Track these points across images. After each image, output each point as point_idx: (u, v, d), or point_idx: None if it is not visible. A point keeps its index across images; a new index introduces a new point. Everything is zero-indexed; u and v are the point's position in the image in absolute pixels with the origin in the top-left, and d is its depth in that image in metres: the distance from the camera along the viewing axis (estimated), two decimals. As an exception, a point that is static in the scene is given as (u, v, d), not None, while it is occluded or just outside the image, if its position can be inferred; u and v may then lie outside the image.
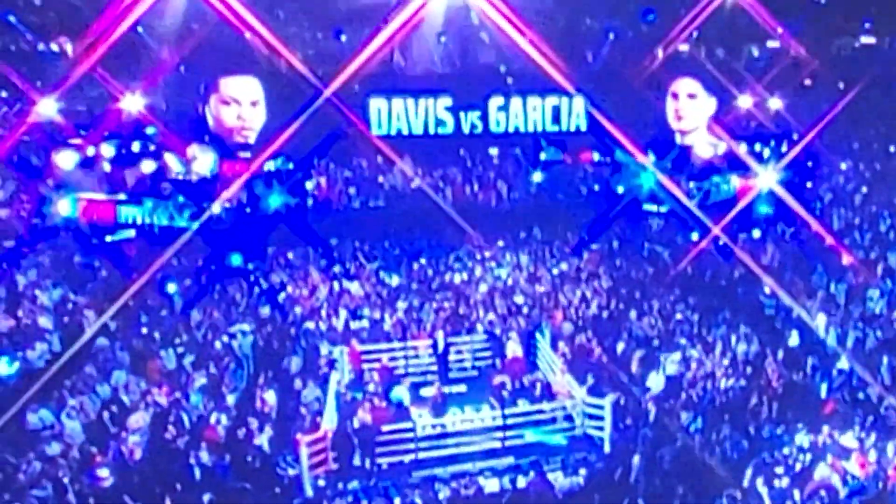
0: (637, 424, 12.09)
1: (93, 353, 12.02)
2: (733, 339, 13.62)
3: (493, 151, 18.58)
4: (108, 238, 9.00)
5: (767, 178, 10.11)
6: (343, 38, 14.20)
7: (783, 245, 13.76)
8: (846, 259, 14.35)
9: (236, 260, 9.32)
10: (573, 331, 14.66)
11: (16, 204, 12.88)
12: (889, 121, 17.45)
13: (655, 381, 13.00)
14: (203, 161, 8.71)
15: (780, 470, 10.47)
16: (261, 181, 9.08)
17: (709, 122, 10.09)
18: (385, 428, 11.91)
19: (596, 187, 16.39)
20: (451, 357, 14.24)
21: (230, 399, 12.20)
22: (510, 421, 12.39)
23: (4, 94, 13.53)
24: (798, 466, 10.50)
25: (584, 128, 9.86)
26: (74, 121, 9.00)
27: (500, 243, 17.51)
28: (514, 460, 11.86)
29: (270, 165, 9.07)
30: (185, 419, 11.36)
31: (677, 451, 11.30)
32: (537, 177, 13.27)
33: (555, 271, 16.77)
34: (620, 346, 14.17)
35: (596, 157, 10.57)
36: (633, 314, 14.89)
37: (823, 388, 12.29)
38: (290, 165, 9.18)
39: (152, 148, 8.75)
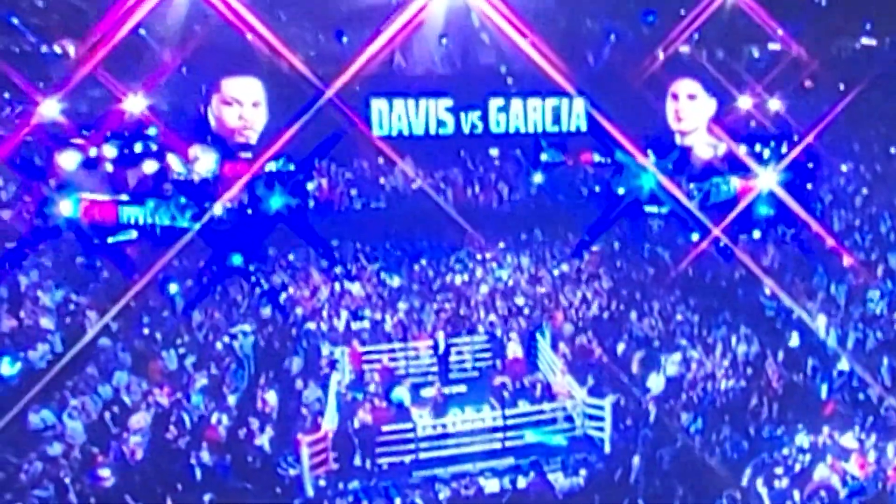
0: (637, 425, 12.10)
1: (94, 354, 12.06)
2: (734, 340, 13.63)
3: (494, 152, 18.62)
4: (110, 239, 9.03)
5: (767, 179, 10.14)
6: (344, 39, 14.23)
7: (784, 246, 13.77)
8: (847, 260, 14.37)
9: (237, 260, 9.36)
10: (574, 332, 14.68)
11: (18, 204, 12.91)
12: (889, 122, 17.47)
13: (656, 382, 13.00)
14: (205, 161, 8.75)
15: (779, 470, 10.48)
16: (262, 182, 9.12)
17: (708, 123, 10.11)
18: (385, 428, 11.93)
19: (597, 189, 16.45)
20: (452, 358, 14.26)
21: (231, 399, 12.22)
22: (510, 421, 12.40)
23: (7, 96, 13.57)
24: (798, 467, 10.51)
25: (584, 128, 9.88)
26: (77, 122, 9.03)
27: (501, 244, 17.54)
28: (515, 461, 11.87)
29: (272, 166, 9.10)
30: (186, 419, 11.38)
31: (677, 452, 11.31)
32: (538, 178, 13.37)
33: (555, 272, 16.79)
34: (621, 347, 14.17)
35: (597, 158, 10.60)
36: (633, 315, 14.90)
37: (824, 389, 12.30)
38: (292, 166, 9.21)
39: (154, 148, 8.77)
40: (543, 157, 10.43)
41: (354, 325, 14.93)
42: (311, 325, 14.63)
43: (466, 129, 9.76)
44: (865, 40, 17.08)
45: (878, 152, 18.10)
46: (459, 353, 14.42)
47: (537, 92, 9.93)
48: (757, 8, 13.90)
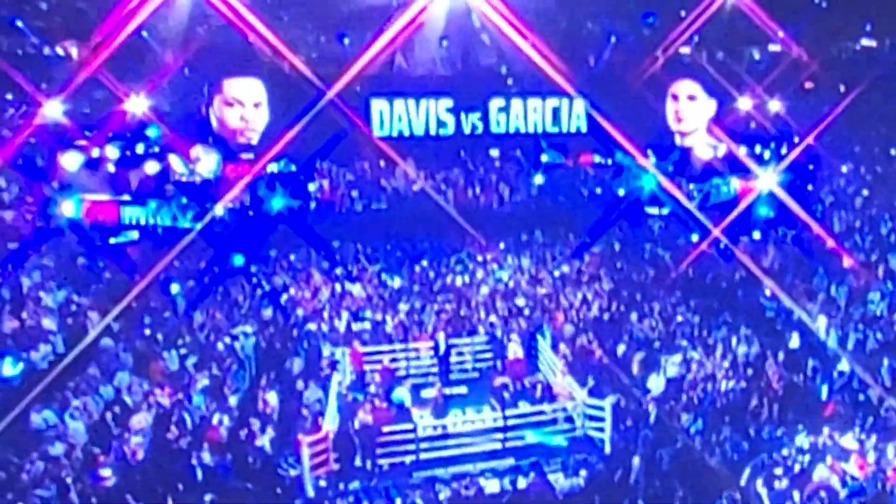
0: (637, 426, 12.12)
1: (96, 354, 12.09)
2: (734, 340, 13.65)
3: (494, 153, 18.66)
4: (112, 240, 9.04)
5: (767, 180, 10.14)
6: (346, 41, 14.25)
7: (784, 247, 13.79)
8: (847, 261, 14.38)
9: (239, 261, 9.35)
10: (574, 332, 14.71)
11: (21, 206, 12.95)
12: (890, 123, 17.48)
13: (656, 383, 13.03)
14: (206, 162, 8.76)
15: (779, 471, 10.49)
16: (263, 183, 9.13)
17: (708, 123, 10.13)
18: (386, 429, 11.96)
19: (597, 190, 16.49)
20: (453, 359, 14.29)
21: (232, 400, 12.25)
22: (511, 422, 12.43)
23: (10, 97, 13.61)
24: (797, 468, 10.52)
25: (584, 129, 9.91)
26: (79, 123, 9.05)
27: (502, 246, 17.56)
28: (515, 461, 11.90)
29: (273, 167, 9.12)
30: (187, 420, 11.41)
31: (677, 453, 11.34)
32: (538, 179, 13.39)
33: (556, 273, 16.82)
34: (621, 348, 14.20)
35: (597, 159, 10.61)
36: (634, 316, 14.93)
37: (824, 389, 12.32)
38: (293, 167, 9.22)
39: (156, 149, 8.79)
40: (544, 157, 10.44)
41: (355, 326, 14.97)
42: (312, 326, 14.67)
43: (467, 130, 9.80)
44: (865, 41, 17.09)
45: (878, 153, 18.12)
46: (460, 353, 14.45)
47: (538, 93, 9.97)
48: (757, 9, 13.91)
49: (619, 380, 13.46)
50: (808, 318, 13.46)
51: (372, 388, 13.14)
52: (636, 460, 11.05)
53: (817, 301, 14.06)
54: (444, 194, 17.60)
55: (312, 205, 9.75)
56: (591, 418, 12.49)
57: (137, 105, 9.60)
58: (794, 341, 13.37)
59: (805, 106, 15.02)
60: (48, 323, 12.18)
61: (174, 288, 10.93)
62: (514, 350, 14.31)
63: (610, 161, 10.52)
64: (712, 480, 10.67)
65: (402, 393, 12.92)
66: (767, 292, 14.39)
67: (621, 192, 10.57)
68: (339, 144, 9.47)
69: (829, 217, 15.46)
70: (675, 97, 10.03)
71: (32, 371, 11.05)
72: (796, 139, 10.49)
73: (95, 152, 8.72)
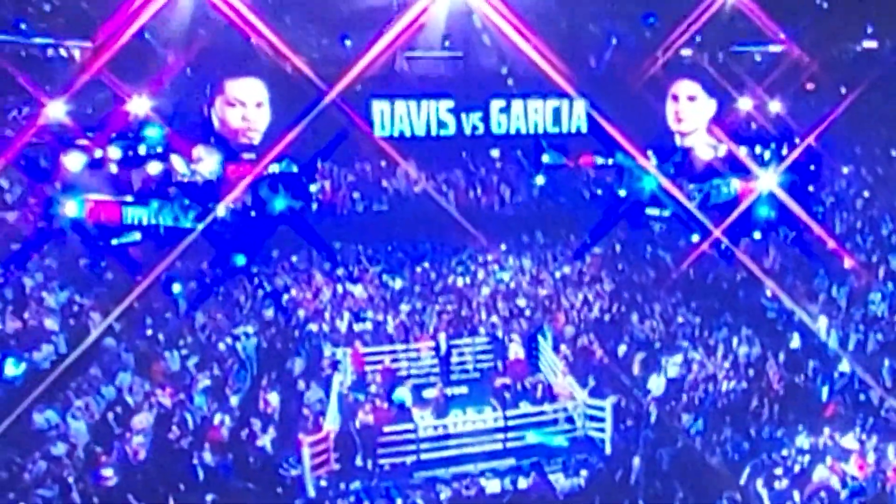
0: (638, 426, 12.12)
1: (98, 355, 12.11)
2: (735, 341, 13.66)
3: (495, 153, 18.69)
4: (114, 240, 9.06)
5: (768, 180, 10.14)
6: (348, 42, 14.28)
7: (785, 248, 13.80)
8: (848, 262, 14.37)
9: (240, 262, 9.37)
10: (575, 333, 14.72)
11: (24, 206, 12.99)
12: (890, 125, 17.47)
13: (657, 384, 13.03)
14: (208, 162, 8.79)
15: (779, 471, 10.50)
16: (265, 184, 9.16)
17: (708, 124, 10.14)
18: (387, 429, 11.97)
19: (598, 191, 16.52)
20: (454, 359, 14.31)
21: (234, 400, 12.28)
22: (512, 422, 12.45)
23: (13, 98, 13.65)
24: (797, 468, 10.52)
25: (584, 130, 9.93)
26: (82, 123, 9.08)
27: (503, 246, 17.58)
28: (516, 461, 11.91)
29: (275, 168, 9.14)
30: (188, 420, 11.44)
31: (678, 453, 11.35)
32: (539, 180, 13.39)
33: (557, 274, 16.84)
34: (622, 349, 14.21)
35: (598, 160, 10.62)
36: (634, 317, 14.94)
37: (825, 390, 12.32)
38: (295, 168, 9.25)
39: (158, 150, 8.82)
40: (545, 158, 10.46)
41: (356, 327, 14.99)
42: (314, 327, 14.69)
43: (468, 131, 9.82)
44: (866, 43, 17.08)
45: (879, 154, 18.13)
46: (461, 354, 14.47)
47: (538, 93, 9.98)
48: (758, 11, 13.92)
49: (620, 380, 13.47)
50: (808, 318, 13.46)
51: (373, 389, 13.16)
52: (637, 460, 11.06)
53: (818, 302, 14.07)
54: (445, 195, 17.64)
55: (314, 205, 9.78)
56: (592, 419, 12.50)
57: (140, 106, 9.61)
58: (795, 342, 13.38)
59: (806, 107, 15.04)
60: (50, 323, 12.21)
61: (176, 288, 10.95)
62: (515, 350, 14.33)
63: (611, 162, 10.54)
64: (713, 481, 10.68)
65: (403, 393, 12.94)
66: (768, 293, 14.40)
67: (622, 193, 10.59)
68: (340, 145, 9.51)
69: (829, 218, 15.50)
70: (675, 97, 10.05)
71: (35, 371, 11.07)
72: (797, 140, 10.50)
73: (98, 153, 8.75)
